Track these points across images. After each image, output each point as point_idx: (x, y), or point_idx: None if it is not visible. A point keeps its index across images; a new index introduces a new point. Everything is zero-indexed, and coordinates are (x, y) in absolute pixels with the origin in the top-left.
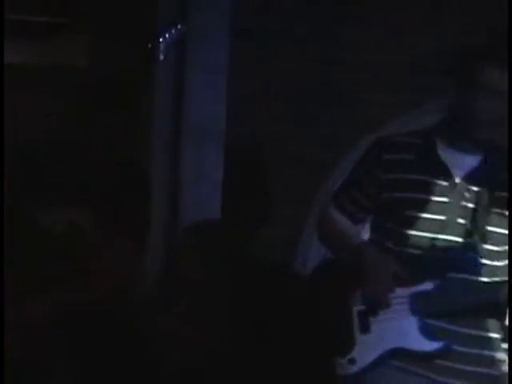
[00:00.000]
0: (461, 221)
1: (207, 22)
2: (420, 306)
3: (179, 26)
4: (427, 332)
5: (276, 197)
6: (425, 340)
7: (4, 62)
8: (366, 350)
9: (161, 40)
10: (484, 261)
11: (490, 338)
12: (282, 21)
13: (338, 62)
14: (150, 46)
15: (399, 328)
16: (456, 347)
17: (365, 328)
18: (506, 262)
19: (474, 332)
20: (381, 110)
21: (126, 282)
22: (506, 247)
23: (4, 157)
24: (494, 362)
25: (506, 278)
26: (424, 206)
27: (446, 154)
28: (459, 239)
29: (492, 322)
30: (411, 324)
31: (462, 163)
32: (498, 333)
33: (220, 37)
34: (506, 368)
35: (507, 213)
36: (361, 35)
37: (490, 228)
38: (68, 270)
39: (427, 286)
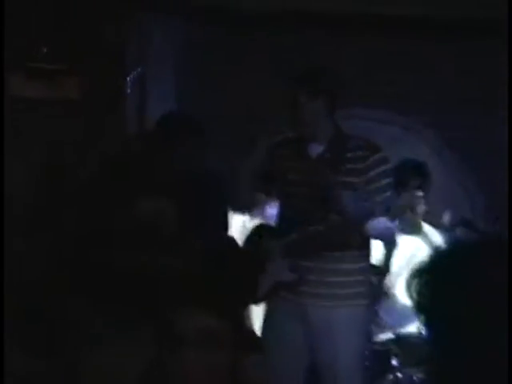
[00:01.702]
0: (312, 183)
1: (159, 65)
2: (286, 252)
3: (139, 69)
4: (290, 268)
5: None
6: (289, 273)
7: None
8: (261, 286)
9: (128, 78)
10: (326, 217)
11: (330, 268)
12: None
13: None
14: (119, 83)
15: (277, 267)
16: (308, 277)
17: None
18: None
19: (317, 265)
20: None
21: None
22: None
23: (4, 159)
24: (335, 284)
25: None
26: (296, 178)
27: (309, 148)
28: (313, 196)
29: (330, 257)
30: (283, 264)
31: (313, 151)
32: (334, 263)
33: (169, 74)
34: (346, 289)
35: (348, 178)
36: None
37: (333, 192)
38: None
39: (292, 237)
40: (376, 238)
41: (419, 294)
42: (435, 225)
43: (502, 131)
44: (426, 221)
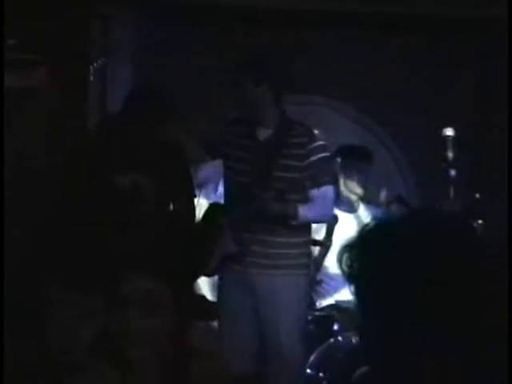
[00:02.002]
0: (258, 163)
1: (118, 57)
2: (233, 226)
3: (102, 59)
4: (236, 241)
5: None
6: (235, 246)
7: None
8: (214, 260)
9: (91, 67)
10: (267, 194)
11: (273, 241)
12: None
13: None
14: (84, 71)
15: (224, 241)
16: (253, 248)
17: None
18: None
19: (261, 237)
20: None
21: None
22: (284, 185)
23: (4, 161)
24: (278, 256)
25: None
26: (244, 155)
27: (258, 130)
28: (256, 175)
29: (273, 231)
30: (228, 237)
31: (261, 134)
32: (276, 236)
33: (128, 63)
34: (286, 260)
35: (291, 161)
36: None
37: (276, 172)
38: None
39: (237, 213)
40: (315, 216)
41: (350, 267)
42: (371, 202)
43: (434, 114)
44: (362, 199)
